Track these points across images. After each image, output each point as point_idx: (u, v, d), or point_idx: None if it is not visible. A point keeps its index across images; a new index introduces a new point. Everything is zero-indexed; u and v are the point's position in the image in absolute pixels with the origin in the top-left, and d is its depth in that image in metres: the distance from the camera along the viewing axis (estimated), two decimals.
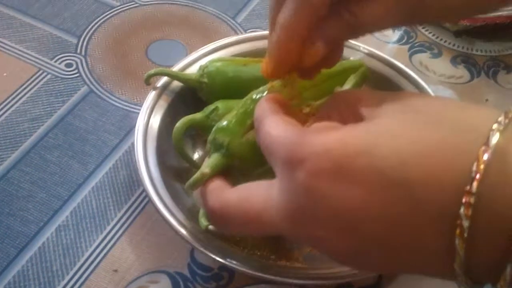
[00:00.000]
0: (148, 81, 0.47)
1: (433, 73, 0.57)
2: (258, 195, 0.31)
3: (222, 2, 0.63)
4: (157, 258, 0.43)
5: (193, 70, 0.48)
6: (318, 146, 0.27)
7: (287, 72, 0.36)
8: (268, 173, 0.31)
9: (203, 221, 0.40)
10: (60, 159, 0.48)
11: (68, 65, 0.56)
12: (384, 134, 0.26)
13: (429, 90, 0.49)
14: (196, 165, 0.45)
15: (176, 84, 0.48)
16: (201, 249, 0.39)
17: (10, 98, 0.52)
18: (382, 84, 0.50)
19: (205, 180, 0.37)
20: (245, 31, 0.60)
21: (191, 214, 0.41)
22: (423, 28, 0.61)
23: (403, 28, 0.61)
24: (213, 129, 0.40)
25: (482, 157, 0.24)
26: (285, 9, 0.33)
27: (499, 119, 0.25)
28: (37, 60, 0.56)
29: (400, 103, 0.28)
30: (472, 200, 0.23)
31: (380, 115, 0.28)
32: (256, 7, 0.63)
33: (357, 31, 0.34)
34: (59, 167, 0.48)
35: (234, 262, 0.39)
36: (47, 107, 0.52)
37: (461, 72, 0.58)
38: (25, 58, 0.56)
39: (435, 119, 0.26)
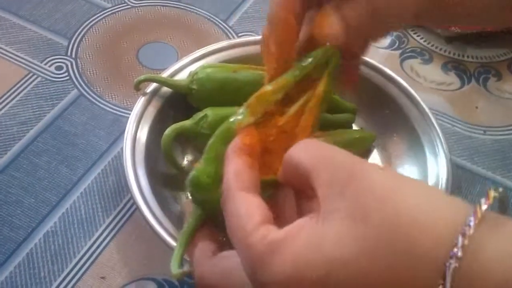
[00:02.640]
0: (138, 87, 0.47)
1: (423, 79, 0.57)
2: (236, 276, 0.31)
3: (214, 4, 0.63)
4: (145, 265, 0.43)
5: (183, 75, 0.48)
6: (277, 275, 0.27)
7: (289, 51, 0.37)
8: None
9: (174, 269, 0.36)
10: (49, 164, 0.48)
11: (58, 68, 0.55)
12: (336, 262, 0.26)
13: (418, 98, 0.49)
14: (185, 173, 0.45)
15: (166, 90, 0.48)
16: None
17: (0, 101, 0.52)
18: (372, 91, 0.50)
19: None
20: (237, 34, 0.60)
21: (179, 222, 0.42)
22: (414, 33, 0.61)
23: (395, 33, 0.61)
24: (188, 179, 0.37)
25: None
26: None
27: (457, 242, 0.24)
28: (27, 63, 0.55)
29: (351, 202, 0.27)
30: None
31: (330, 214, 0.27)
32: (248, 10, 0.63)
33: (374, 19, 0.34)
34: (48, 172, 0.48)
35: None
36: (37, 111, 0.52)
37: (452, 78, 0.58)
38: (15, 60, 0.55)
39: (388, 238, 0.25)
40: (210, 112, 0.44)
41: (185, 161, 0.48)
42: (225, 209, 0.31)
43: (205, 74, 0.46)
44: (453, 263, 0.23)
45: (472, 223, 0.24)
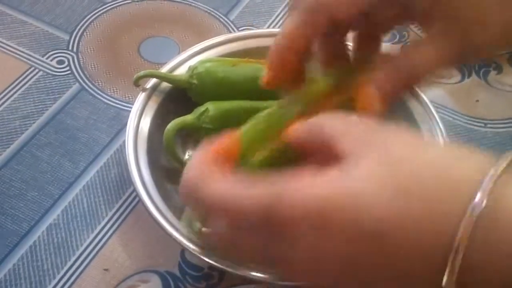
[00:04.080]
0: (137, 83, 0.47)
1: None
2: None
3: None
4: (148, 257, 0.44)
5: (183, 69, 0.48)
6: (302, 206, 0.26)
7: (283, 83, 0.37)
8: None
9: (195, 225, 0.39)
10: (51, 157, 0.49)
11: (60, 62, 0.55)
12: (363, 197, 0.26)
13: (420, 92, 0.49)
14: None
15: (166, 84, 0.48)
16: (191, 249, 0.39)
17: (1, 95, 0.52)
18: None
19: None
20: (238, 28, 0.60)
21: (181, 214, 0.42)
22: (415, 27, 0.61)
23: (395, 27, 0.61)
24: None
25: (465, 234, 0.24)
26: (290, 18, 0.35)
27: (484, 182, 0.25)
28: (28, 57, 0.56)
29: (380, 151, 0.27)
30: (454, 277, 0.24)
31: (358, 159, 0.27)
32: (249, 4, 0.63)
33: (411, 78, 0.35)
34: (51, 166, 0.48)
35: (224, 262, 0.39)
36: (39, 105, 0.52)
37: (453, 72, 0.58)
38: (16, 55, 0.56)
39: (421, 178, 0.26)
40: (211, 106, 0.45)
41: (187, 155, 0.48)
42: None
43: (204, 68, 0.47)
44: (479, 200, 0.24)
45: (499, 169, 0.25)
